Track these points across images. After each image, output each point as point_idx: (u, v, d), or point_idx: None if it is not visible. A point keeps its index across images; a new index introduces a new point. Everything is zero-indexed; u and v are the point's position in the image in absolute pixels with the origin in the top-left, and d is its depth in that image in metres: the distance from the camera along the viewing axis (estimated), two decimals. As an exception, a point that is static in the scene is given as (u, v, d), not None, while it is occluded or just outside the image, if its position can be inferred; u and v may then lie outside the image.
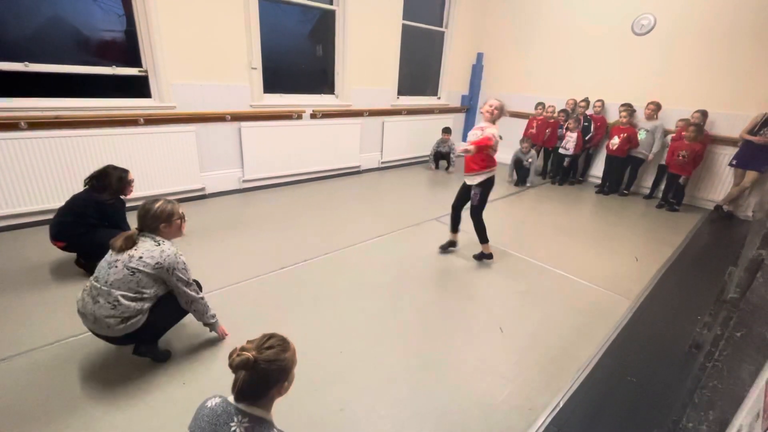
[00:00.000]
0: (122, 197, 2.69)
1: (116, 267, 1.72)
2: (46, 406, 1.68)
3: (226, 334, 2.14)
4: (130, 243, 1.77)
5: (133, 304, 1.73)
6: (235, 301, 2.51)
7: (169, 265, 1.78)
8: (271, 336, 1.11)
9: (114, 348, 2.00)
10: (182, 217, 1.92)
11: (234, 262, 2.97)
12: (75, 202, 2.55)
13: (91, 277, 1.77)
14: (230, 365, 1.05)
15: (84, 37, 3.51)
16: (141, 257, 1.74)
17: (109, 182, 2.55)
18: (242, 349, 1.06)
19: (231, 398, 1.09)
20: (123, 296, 1.71)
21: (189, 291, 1.88)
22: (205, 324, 2.06)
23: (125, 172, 2.62)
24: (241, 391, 1.05)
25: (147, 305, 1.78)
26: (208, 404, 1.10)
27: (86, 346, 2.01)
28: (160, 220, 1.82)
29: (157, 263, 1.76)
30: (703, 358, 1.58)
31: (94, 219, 2.54)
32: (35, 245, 2.95)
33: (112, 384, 1.81)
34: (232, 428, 1.04)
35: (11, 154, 3.13)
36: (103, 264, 1.77)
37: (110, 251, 1.79)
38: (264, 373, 1.05)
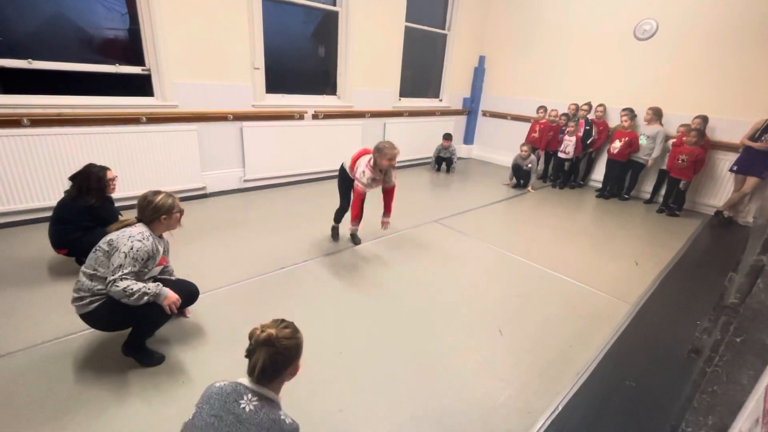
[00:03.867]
0: (108, 195, 2.64)
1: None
2: (43, 404, 1.67)
3: (173, 303, 1.78)
4: (119, 227, 1.82)
5: (87, 281, 1.74)
6: (235, 300, 2.51)
7: (118, 242, 1.73)
8: (283, 320, 1.19)
9: (112, 345, 2.00)
10: (182, 212, 1.94)
11: (234, 262, 2.97)
12: (64, 210, 2.53)
13: None
14: (255, 341, 1.11)
15: (87, 35, 3.52)
16: (110, 237, 1.76)
17: (89, 184, 2.51)
18: (263, 327, 1.13)
19: (242, 379, 1.13)
20: (83, 272, 1.75)
21: (114, 273, 1.67)
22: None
23: (104, 170, 2.57)
24: (263, 370, 1.09)
25: (98, 287, 1.73)
26: (217, 384, 1.14)
27: (84, 344, 2.02)
28: (160, 212, 1.84)
29: (110, 239, 1.75)
30: (703, 363, 1.58)
31: (87, 222, 2.53)
32: (35, 242, 2.94)
33: (110, 382, 1.81)
34: (242, 405, 1.07)
35: (13, 151, 3.13)
36: None
37: None
38: (284, 350, 1.11)
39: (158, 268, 1.97)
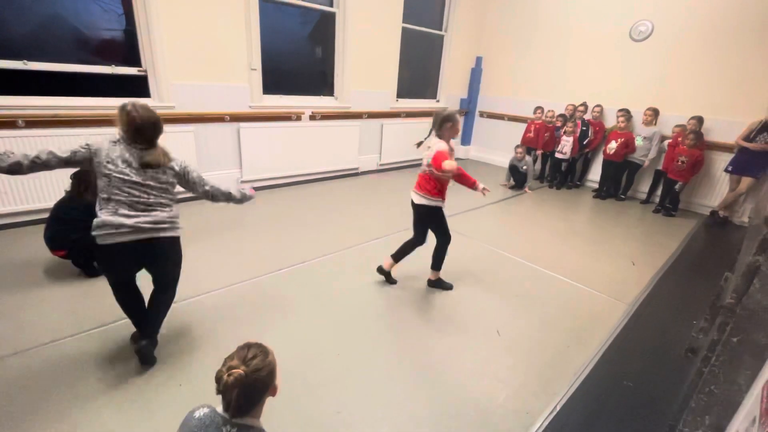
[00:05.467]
0: None
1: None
2: (40, 407, 1.66)
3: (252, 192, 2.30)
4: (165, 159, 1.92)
5: (163, 214, 1.87)
6: (233, 302, 2.50)
7: (186, 167, 2.00)
8: (248, 346, 1.11)
9: (107, 349, 1.99)
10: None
11: (232, 263, 2.96)
12: (61, 209, 2.51)
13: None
14: (224, 386, 1.03)
15: (83, 36, 3.50)
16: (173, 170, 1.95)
17: (88, 180, 2.50)
18: (229, 368, 1.05)
19: (220, 409, 1.08)
20: (154, 205, 1.87)
21: (205, 183, 2.11)
22: (232, 200, 2.22)
23: None
24: (239, 408, 1.04)
25: (174, 213, 1.93)
26: (196, 414, 1.08)
27: (81, 347, 2.00)
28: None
29: (176, 170, 1.96)
30: (700, 362, 1.59)
31: (87, 223, 2.51)
32: (31, 244, 2.92)
33: (107, 385, 1.80)
34: None
35: (8, 153, 3.11)
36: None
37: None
38: (256, 384, 1.05)
39: None
